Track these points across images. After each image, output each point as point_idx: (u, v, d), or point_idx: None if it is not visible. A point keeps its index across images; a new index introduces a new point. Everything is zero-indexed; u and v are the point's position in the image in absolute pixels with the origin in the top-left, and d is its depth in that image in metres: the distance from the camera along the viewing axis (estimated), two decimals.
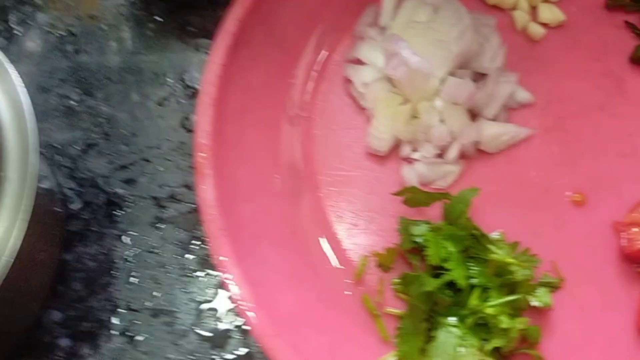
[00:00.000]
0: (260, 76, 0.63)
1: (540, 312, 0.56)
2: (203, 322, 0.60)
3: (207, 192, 0.56)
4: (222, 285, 0.60)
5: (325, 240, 0.60)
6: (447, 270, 0.55)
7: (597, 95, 0.63)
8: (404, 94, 0.60)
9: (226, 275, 0.54)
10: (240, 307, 0.53)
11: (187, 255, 0.61)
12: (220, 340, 0.59)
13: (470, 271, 0.55)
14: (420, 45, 0.60)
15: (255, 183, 0.61)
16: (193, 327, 0.59)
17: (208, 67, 0.59)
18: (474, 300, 0.54)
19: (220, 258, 0.54)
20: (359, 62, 0.64)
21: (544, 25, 0.66)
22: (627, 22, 0.65)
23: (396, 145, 0.62)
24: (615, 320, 0.56)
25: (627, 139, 0.61)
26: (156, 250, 0.62)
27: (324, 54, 0.66)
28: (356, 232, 0.60)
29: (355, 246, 0.60)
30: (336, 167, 0.62)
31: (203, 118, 0.58)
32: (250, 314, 0.53)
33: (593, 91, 0.63)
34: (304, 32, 0.67)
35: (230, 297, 0.57)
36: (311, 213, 0.61)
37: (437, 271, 0.56)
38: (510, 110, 0.62)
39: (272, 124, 0.63)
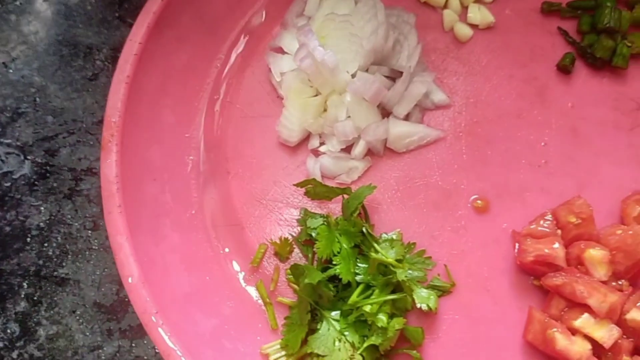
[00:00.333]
0: (184, 58, 0.64)
1: (428, 315, 0.56)
2: (103, 294, 0.61)
3: (109, 169, 0.57)
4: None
5: (228, 225, 0.61)
6: (335, 264, 0.55)
7: (517, 102, 0.62)
8: (315, 87, 0.59)
9: (117, 251, 0.55)
10: (126, 282, 0.54)
11: (96, 230, 0.62)
12: (117, 311, 0.60)
13: (357, 268, 0.55)
14: (337, 38, 0.60)
15: (166, 163, 0.62)
16: (94, 298, 0.61)
17: (126, 44, 0.60)
18: (354, 296, 0.54)
19: (113, 233, 0.55)
20: (282, 50, 0.64)
21: (474, 26, 0.64)
22: (559, 28, 0.64)
23: (307, 137, 0.62)
24: (503, 331, 0.56)
25: (540, 149, 0.60)
26: (69, 221, 0.63)
27: (251, 40, 0.66)
28: (259, 220, 0.61)
29: (256, 234, 0.60)
30: (248, 154, 0.62)
31: (115, 96, 0.59)
32: (133, 289, 0.54)
33: (513, 97, 0.62)
34: (233, 17, 0.67)
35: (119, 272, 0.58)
36: (219, 197, 0.62)
37: (327, 265, 0.56)
38: (425, 111, 0.62)
39: (192, 106, 0.64)
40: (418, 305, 0.55)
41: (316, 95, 0.60)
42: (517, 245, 0.56)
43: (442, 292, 0.57)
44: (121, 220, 0.56)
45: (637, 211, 0.55)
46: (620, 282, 0.54)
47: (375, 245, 0.55)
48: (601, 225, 0.57)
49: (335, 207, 0.60)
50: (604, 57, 0.61)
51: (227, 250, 0.60)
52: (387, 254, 0.55)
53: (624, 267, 0.54)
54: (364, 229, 0.55)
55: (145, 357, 0.60)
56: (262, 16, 0.67)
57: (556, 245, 0.53)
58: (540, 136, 0.61)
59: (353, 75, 0.59)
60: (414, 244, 0.58)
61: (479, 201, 0.59)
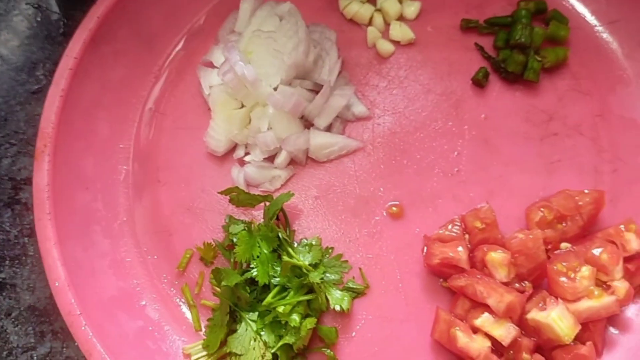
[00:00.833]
0: (120, 71, 0.67)
1: (344, 316, 0.59)
2: (37, 297, 0.64)
3: (40, 178, 0.60)
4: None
5: (157, 231, 0.63)
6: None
7: (433, 114, 0.65)
8: (239, 99, 0.63)
9: (45, 256, 0.58)
10: (53, 286, 0.57)
11: (33, 237, 0.65)
12: (49, 314, 0.63)
13: (274, 271, 0.58)
14: (262, 53, 0.63)
15: (99, 172, 0.65)
16: (29, 301, 0.64)
17: (62, 60, 0.63)
18: (269, 298, 0.57)
19: (42, 240, 0.58)
20: (213, 65, 0.67)
21: (396, 42, 0.68)
22: (476, 44, 0.67)
23: (234, 147, 0.65)
24: (414, 330, 0.59)
25: (453, 158, 0.63)
26: (7, 229, 0.66)
27: (186, 54, 0.69)
28: (187, 227, 0.63)
29: (183, 240, 0.63)
30: (178, 163, 0.65)
31: (50, 108, 0.62)
32: (59, 292, 0.57)
33: (430, 110, 0.65)
34: (170, 33, 0.70)
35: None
36: (149, 205, 0.64)
37: (248, 269, 0.59)
38: (346, 122, 0.65)
39: (127, 117, 0.67)
40: (332, 307, 0.58)
41: (241, 108, 0.63)
42: (425, 248, 0.59)
43: (357, 293, 0.60)
44: (50, 227, 0.59)
45: (539, 217, 0.58)
46: (524, 284, 0.57)
47: (290, 249, 0.58)
48: (510, 230, 0.60)
49: (258, 214, 0.63)
50: (516, 71, 0.64)
51: (155, 257, 0.63)
52: (303, 258, 0.58)
53: (526, 269, 0.57)
54: (279, 235, 0.58)
55: (76, 358, 0.62)
56: (197, 32, 0.70)
57: (460, 248, 0.56)
58: (454, 146, 0.64)
59: (276, 88, 0.62)
60: (332, 248, 0.61)
61: (394, 208, 0.62)
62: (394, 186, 0.63)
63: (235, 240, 0.59)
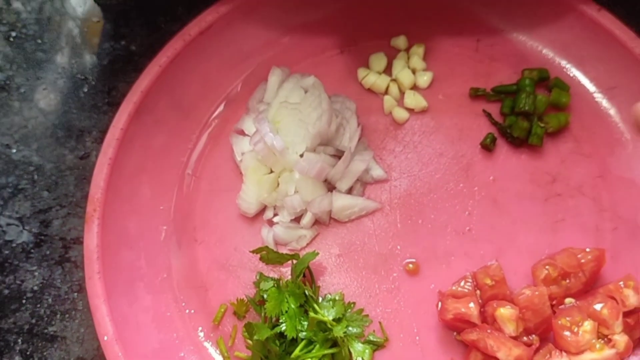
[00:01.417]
0: (161, 139, 0.74)
1: None
2: (86, 349, 0.70)
3: (90, 240, 0.67)
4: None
5: (194, 287, 0.70)
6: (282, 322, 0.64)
7: (445, 176, 0.71)
8: (268, 165, 0.69)
9: (94, 312, 0.64)
10: (102, 340, 0.64)
11: (82, 292, 0.72)
12: None
13: (302, 326, 0.63)
14: (288, 123, 0.70)
15: (142, 232, 0.71)
16: (78, 353, 0.70)
17: (110, 130, 0.71)
18: (297, 351, 0.62)
19: (92, 296, 0.65)
20: (244, 133, 0.74)
21: (410, 110, 0.74)
22: (484, 111, 0.73)
23: (264, 209, 0.71)
24: None
25: (464, 218, 0.69)
26: (59, 285, 0.73)
27: (220, 123, 0.76)
28: (221, 283, 0.70)
29: (218, 295, 0.69)
30: (213, 223, 0.72)
31: (99, 175, 0.70)
32: (108, 346, 0.63)
33: (442, 172, 0.71)
34: (206, 103, 0.77)
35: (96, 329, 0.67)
36: (187, 262, 0.71)
37: (277, 323, 0.65)
38: (365, 184, 0.71)
39: (166, 181, 0.74)
40: (355, 359, 0.64)
41: (270, 173, 0.70)
42: (439, 304, 0.65)
43: (377, 346, 0.65)
44: (99, 285, 0.65)
45: (544, 274, 0.63)
46: (531, 337, 0.62)
47: (315, 305, 0.63)
48: (518, 286, 0.66)
49: (286, 271, 0.69)
50: (521, 136, 0.70)
51: (192, 311, 0.69)
52: (327, 313, 0.64)
53: (533, 323, 0.62)
54: (305, 292, 0.64)
55: None
56: (230, 101, 0.77)
57: (471, 304, 0.62)
58: (465, 206, 0.69)
59: (302, 155, 0.68)
60: (354, 303, 0.66)
61: (410, 265, 0.67)
62: (410, 244, 0.69)
63: (265, 296, 0.65)
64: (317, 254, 0.66)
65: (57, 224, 0.76)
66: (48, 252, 0.75)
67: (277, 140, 0.66)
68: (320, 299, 0.67)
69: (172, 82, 0.74)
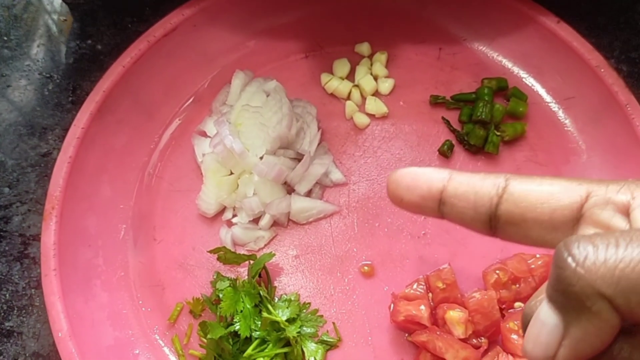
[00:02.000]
0: (123, 139, 0.75)
1: None
2: (41, 345, 0.70)
3: (47, 237, 0.67)
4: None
5: (151, 285, 0.70)
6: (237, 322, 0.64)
7: None
8: (228, 167, 0.70)
9: (50, 309, 0.64)
10: (56, 336, 0.64)
11: (39, 289, 0.72)
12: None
13: (256, 325, 0.64)
14: (249, 126, 0.71)
15: (100, 231, 0.71)
16: (34, 348, 0.70)
17: (71, 129, 0.71)
18: (250, 350, 0.63)
19: (47, 293, 0.65)
20: (206, 134, 0.75)
21: (371, 115, 0.75)
22: (443, 118, 0.75)
23: (223, 210, 0.72)
24: None
25: (420, 222, 0.70)
26: (16, 281, 0.73)
27: (183, 123, 0.77)
28: (179, 282, 0.70)
29: (175, 294, 0.69)
30: (172, 223, 0.72)
31: (58, 174, 0.70)
32: (62, 342, 0.63)
33: None
34: (169, 104, 0.78)
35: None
36: (145, 261, 0.71)
37: (232, 322, 0.65)
38: (325, 188, 0.72)
39: (127, 180, 0.74)
40: (307, 359, 0.64)
41: (230, 175, 0.70)
42: (392, 305, 0.66)
43: (330, 346, 0.66)
44: (55, 282, 0.66)
45: (494, 278, 0.64)
46: (480, 340, 0.63)
47: (269, 305, 0.64)
48: (470, 289, 0.67)
49: (243, 271, 0.69)
50: (477, 144, 0.72)
51: (149, 309, 0.69)
52: (281, 314, 0.64)
53: (482, 326, 0.63)
54: (260, 292, 0.65)
55: None
56: (194, 102, 0.78)
57: (422, 307, 0.63)
58: None
59: (262, 158, 0.69)
60: (309, 304, 0.67)
61: (365, 267, 0.68)
62: (366, 247, 0.70)
63: (221, 295, 0.66)
64: (274, 255, 0.66)
65: (17, 220, 0.76)
66: (7, 248, 0.74)
67: (236, 143, 0.67)
68: (276, 299, 0.67)
69: (136, 82, 0.75)
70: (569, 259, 0.28)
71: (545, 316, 0.29)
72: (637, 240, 0.27)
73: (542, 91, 0.75)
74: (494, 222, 0.34)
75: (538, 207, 0.33)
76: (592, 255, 0.27)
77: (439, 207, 0.36)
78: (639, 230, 0.27)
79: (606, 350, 0.29)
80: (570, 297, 0.28)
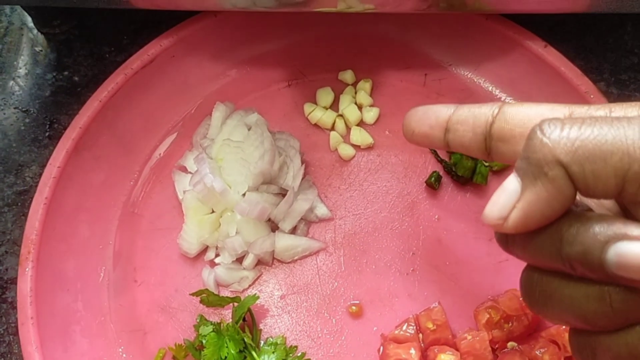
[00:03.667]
0: (101, 176, 0.72)
1: None
2: None
3: (24, 284, 0.65)
4: None
5: (133, 330, 0.68)
6: None
7: (390, 215, 0.70)
8: (209, 206, 0.68)
9: (27, 359, 0.62)
10: None
11: (17, 335, 0.69)
12: None
13: None
14: (231, 161, 0.69)
15: (79, 274, 0.69)
16: None
17: (47, 168, 0.68)
18: None
19: (24, 343, 0.62)
20: (186, 170, 0.72)
21: (356, 146, 0.73)
22: (430, 148, 0.73)
23: (206, 249, 0.70)
24: None
25: (409, 257, 0.68)
26: None
27: (164, 158, 0.75)
28: (161, 326, 0.68)
29: (157, 339, 0.67)
30: (153, 264, 0.70)
31: (34, 216, 0.67)
32: None
33: (387, 211, 0.70)
34: (149, 138, 0.76)
35: None
36: (126, 304, 0.69)
37: None
38: (310, 223, 0.70)
39: (106, 220, 0.72)
40: None
41: (212, 213, 0.68)
42: (381, 348, 0.64)
43: None
44: (33, 331, 0.63)
45: (485, 318, 0.63)
46: None
47: (253, 352, 0.62)
48: (462, 328, 0.65)
49: (228, 313, 0.67)
50: (465, 175, 0.70)
51: (131, 355, 0.67)
52: (267, 359, 0.62)
53: None
54: (244, 338, 0.62)
55: None
56: (175, 136, 0.75)
57: (412, 351, 0.61)
58: (410, 246, 0.69)
59: (244, 194, 0.67)
60: (296, 347, 0.65)
61: (353, 307, 0.66)
62: (354, 285, 0.68)
63: (204, 341, 0.63)
64: (258, 297, 0.64)
65: None
66: None
67: (217, 182, 0.65)
68: (262, 342, 0.65)
69: (113, 117, 0.73)
70: (538, 132, 0.31)
71: (507, 183, 0.34)
72: (602, 122, 0.30)
73: None
74: (488, 142, 0.39)
75: (526, 122, 0.38)
76: (558, 130, 0.31)
77: (444, 136, 0.42)
78: (606, 117, 0.31)
79: (556, 223, 0.33)
80: (532, 163, 0.31)
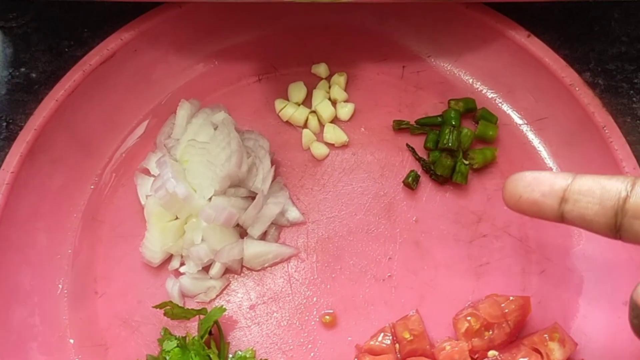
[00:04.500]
0: (59, 181, 0.68)
1: None
2: None
3: None
4: None
5: (94, 345, 0.64)
6: None
7: (366, 217, 0.66)
8: (172, 212, 0.64)
9: None
10: None
11: None
12: None
13: None
14: (196, 163, 0.65)
15: (36, 286, 0.65)
16: None
17: None
18: None
19: None
20: (150, 172, 0.68)
21: (330, 144, 0.69)
22: (408, 145, 0.69)
23: (170, 258, 0.66)
24: None
25: (385, 263, 0.65)
26: None
27: (126, 160, 0.70)
28: (123, 340, 0.64)
29: (119, 354, 0.63)
30: (115, 274, 0.66)
31: None
32: None
33: (363, 213, 0.67)
34: (111, 139, 0.71)
35: None
36: (86, 318, 0.65)
37: None
38: (281, 228, 0.66)
39: (64, 227, 0.68)
40: None
41: (176, 219, 0.64)
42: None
43: None
44: None
45: (465, 327, 0.59)
46: None
47: None
48: (440, 337, 0.62)
49: (194, 325, 0.64)
50: (444, 174, 0.66)
51: None
52: None
53: None
54: (210, 355, 0.59)
55: None
56: (137, 136, 0.71)
57: None
58: (386, 250, 0.65)
59: (211, 199, 0.63)
60: None
61: (327, 317, 0.63)
62: (327, 293, 0.64)
63: (167, 358, 0.60)
64: (225, 309, 0.61)
65: None
66: None
67: (179, 187, 0.61)
68: (230, 356, 0.61)
69: (72, 117, 0.68)
70: None
71: None
72: None
73: (512, 112, 0.70)
74: (619, 218, 0.36)
75: None
76: None
77: (559, 206, 0.39)
78: None
79: None
80: None
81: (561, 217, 0.39)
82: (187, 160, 0.65)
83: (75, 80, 0.68)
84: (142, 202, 0.66)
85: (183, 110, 0.68)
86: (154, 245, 0.63)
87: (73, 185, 0.68)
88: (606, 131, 0.64)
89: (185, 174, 0.64)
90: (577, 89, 0.65)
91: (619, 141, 0.63)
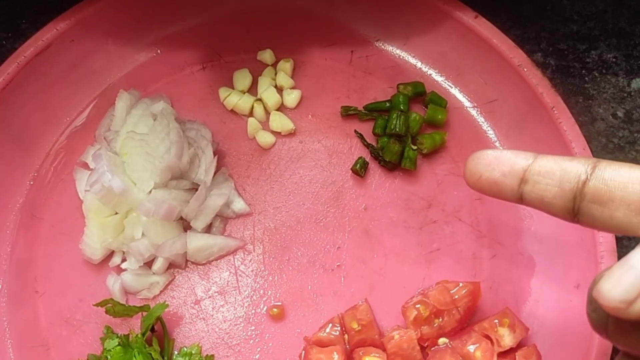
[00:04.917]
0: None
1: None
2: None
3: None
4: None
5: (34, 346, 0.61)
6: None
7: (314, 206, 0.65)
8: (110, 207, 0.61)
9: None
10: None
11: None
12: None
13: None
14: (135, 156, 0.62)
15: None
16: None
17: None
18: None
19: None
20: (88, 166, 0.66)
21: (277, 133, 0.67)
22: (356, 132, 0.67)
23: (112, 254, 0.63)
24: None
25: (334, 252, 0.63)
26: None
27: (66, 153, 0.68)
28: (65, 340, 0.62)
29: (61, 354, 0.61)
30: (56, 272, 0.64)
31: None
32: None
33: (311, 202, 0.65)
34: (49, 133, 0.69)
35: None
36: (26, 318, 0.62)
37: None
38: (227, 219, 0.64)
39: (2, 224, 0.65)
40: None
41: (115, 214, 0.62)
42: (303, 353, 0.59)
43: None
44: None
45: (414, 315, 0.58)
46: None
47: None
48: (391, 325, 0.60)
49: (138, 322, 0.61)
50: (393, 160, 0.64)
51: None
52: None
53: None
54: (151, 353, 0.57)
55: None
56: (76, 129, 0.68)
57: (335, 355, 0.56)
58: (335, 240, 0.64)
59: (151, 192, 0.61)
60: (212, 356, 0.60)
61: (275, 309, 0.61)
62: (275, 285, 0.62)
63: (109, 357, 0.58)
64: (167, 306, 0.59)
65: None
66: None
67: (115, 181, 0.58)
68: (175, 352, 0.59)
69: (7, 111, 0.65)
70: None
71: (635, 259, 0.29)
72: None
73: (461, 95, 0.69)
74: (577, 201, 0.34)
75: (629, 186, 0.33)
76: None
77: (518, 186, 0.37)
78: None
79: None
80: None
81: (520, 198, 0.38)
82: (127, 152, 0.63)
83: (10, 73, 0.65)
84: (82, 197, 0.64)
85: (122, 102, 0.65)
86: (93, 242, 0.61)
87: (10, 182, 0.66)
88: (555, 112, 0.63)
89: (124, 167, 0.62)
90: (525, 69, 0.64)
91: (568, 122, 0.62)
